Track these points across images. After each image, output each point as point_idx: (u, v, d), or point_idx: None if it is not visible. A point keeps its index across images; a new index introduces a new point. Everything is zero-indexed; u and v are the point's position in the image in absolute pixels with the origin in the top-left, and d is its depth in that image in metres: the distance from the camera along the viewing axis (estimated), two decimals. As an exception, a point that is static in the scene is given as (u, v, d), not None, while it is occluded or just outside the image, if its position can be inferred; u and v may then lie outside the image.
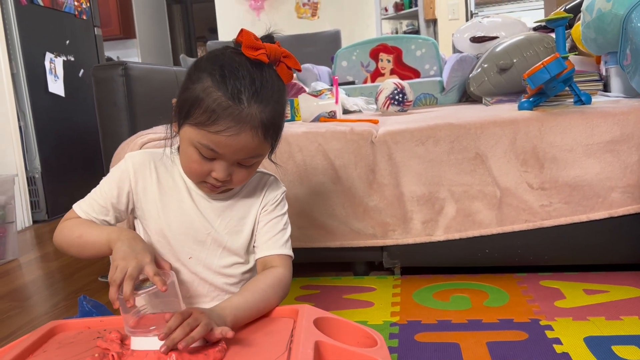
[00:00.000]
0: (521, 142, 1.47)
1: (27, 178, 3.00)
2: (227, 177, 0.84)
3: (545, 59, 1.50)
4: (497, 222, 1.51)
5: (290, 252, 0.96)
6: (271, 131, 0.84)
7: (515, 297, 1.44)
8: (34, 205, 3.03)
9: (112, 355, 0.69)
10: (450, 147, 1.50)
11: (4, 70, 2.88)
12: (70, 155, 3.23)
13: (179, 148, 0.89)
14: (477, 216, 1.51)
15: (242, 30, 0.83)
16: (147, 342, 0.69)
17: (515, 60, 2.17)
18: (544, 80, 1.50)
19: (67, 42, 3.29)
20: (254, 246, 0.96)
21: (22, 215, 2.90)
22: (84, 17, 3.48)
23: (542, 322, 1.28)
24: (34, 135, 3.02)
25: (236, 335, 0.74)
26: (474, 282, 1.57)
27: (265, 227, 0.95)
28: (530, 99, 1.61)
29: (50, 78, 3.12)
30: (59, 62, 3.20)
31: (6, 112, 2.90)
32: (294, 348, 0.69)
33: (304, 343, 0.68)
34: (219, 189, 0.89)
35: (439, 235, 1.54)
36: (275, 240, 0.95)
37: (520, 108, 1.61)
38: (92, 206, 0.91)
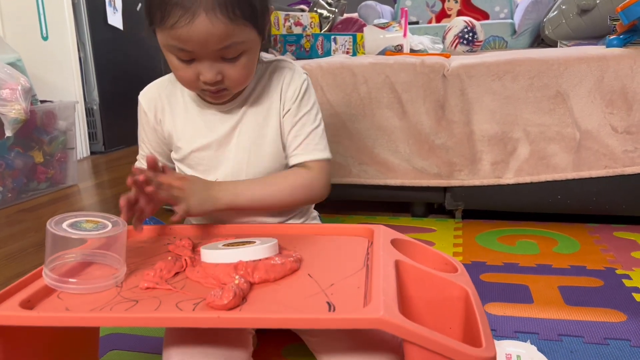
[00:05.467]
0: (609, 81, 1.35)
1: (85, 109, 3.05)
2: (217, 76, 0.74)
3: (643, -9, 1.36)
4: (573, 167, 1.41)
5: (324, 155, 0.85)
6: (237, 10, 0.70)
7: (586, 246, 1.37)
8: (91, 137, 3.09)
9: (185, 259, 0.67)
10: (529, 83, 1.39)
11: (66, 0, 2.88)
12: (127, 89, 3.23)
13: None
14: (552, 159, 1.42)
15: None
16: (218, 255, 0.65)
17: (598, 1, 1.99)
18: (639, 15, 1.36)
19: (127, -27, 3.26)
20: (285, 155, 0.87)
21: (81, 146, 2.96)
22: (144, -51, 3.43)
23: (619, 271, 1.20)
24: (93, 67, 3.05)
25: (309, 248, 0.71)
26: (541, 229, 1.50)
27: (292, 131, 0.84)
28: (621, 36, 1.47)
29: (109, 10, 3.11)
30: (118, -7, 3.18)
31: (67, 42, 2.92)
32: (373, 265, 0.65)
33: (384, 261, 0.64)
34: (221, 94, 0.79)
35: (509, 178, 1.46)
36: (305, 145, 0.84)
37: (609, 45, 1.48)
38: (141, 158, 0.93)
